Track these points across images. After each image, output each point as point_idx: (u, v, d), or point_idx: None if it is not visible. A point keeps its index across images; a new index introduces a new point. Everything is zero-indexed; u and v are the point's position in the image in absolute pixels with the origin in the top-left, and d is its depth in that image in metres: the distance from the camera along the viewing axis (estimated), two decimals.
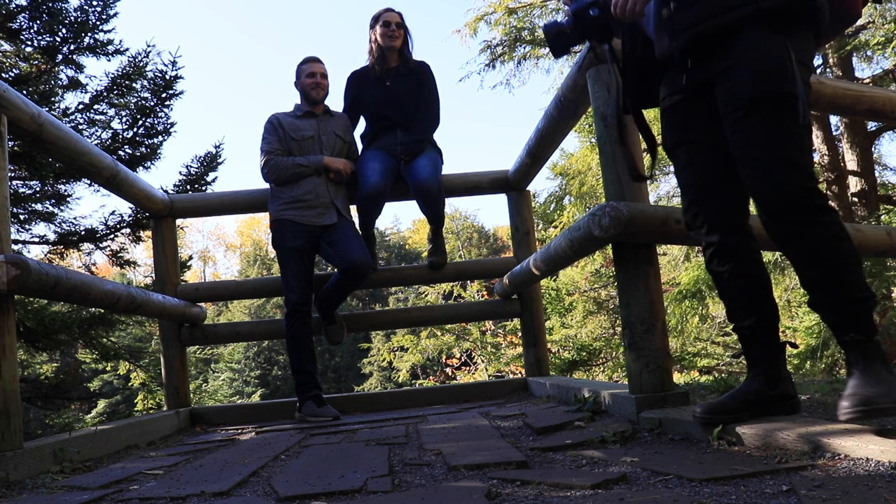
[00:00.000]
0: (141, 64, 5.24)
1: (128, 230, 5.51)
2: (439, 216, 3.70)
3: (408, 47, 3.65)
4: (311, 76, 3.51)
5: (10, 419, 2.02)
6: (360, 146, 3.74)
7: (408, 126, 3.60)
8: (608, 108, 2.27)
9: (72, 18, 4.88)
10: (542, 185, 30.15)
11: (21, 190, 5.00)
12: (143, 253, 19.96)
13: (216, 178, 6.01)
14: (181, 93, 5.50)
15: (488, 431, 2.35)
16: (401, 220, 57.50)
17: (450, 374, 12.72)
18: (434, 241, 3.77)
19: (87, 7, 4.92)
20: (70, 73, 5.09)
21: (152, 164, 5.47)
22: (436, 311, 4.92)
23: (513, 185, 3.85)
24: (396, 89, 3.61)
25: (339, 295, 3.50)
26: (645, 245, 2.23)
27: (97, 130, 5.28)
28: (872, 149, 6.74)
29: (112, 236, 5.49)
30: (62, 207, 5.26)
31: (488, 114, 72.17)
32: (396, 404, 3.68)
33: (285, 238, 3.37)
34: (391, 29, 3.55)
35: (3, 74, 4.71)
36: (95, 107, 5.21)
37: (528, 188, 3.94)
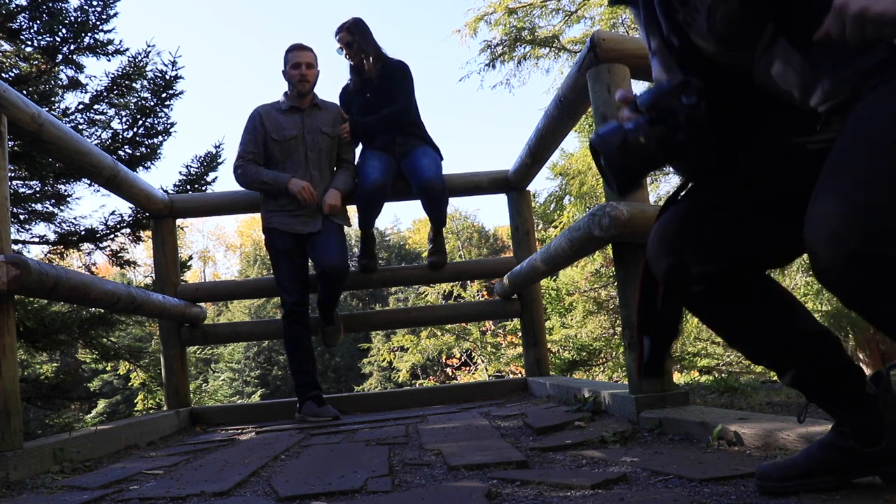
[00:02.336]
0: (141, 64, 5.23)
1: (128, 230, 5.51)
2: (442, 216, 3.71)
3: (370, 57, 3.57)
4: (296, 67, 3.37)
5: (10, 419, 2.02)
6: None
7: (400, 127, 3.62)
8: (608, 108, 2.27)
9: (72, 18, 4.87)
10: (542, 185, 30.04)
11: (21, 190, 4.99)
12: (143, 253, 19.92)
13: (216, 178, 6.03)
14: (181, 93, 5.50)
15: (488, 431, 2.35)
16: (401, 220, 57.46)
17: (450, 374, 12.70)
18: (434, 241, 3.78)
19: (87, 7, 4.92)
20: (70, 73, 5.09)
21: (152, 164, 5.47)
22: (436, 311, 4.94)
23: (513, 185, 3.85)
24: (376, 97, 3.61)
25: (326, 297, 3.50)
26: (645, 245, 2.22)
27: (97, 130, 5.28)
28: None
29: (112, 236, 5.49)
30: (62, 207, 5.26)
31: (488, 114, 72.15)
32: (396, 404, 3.68)
33: (275, 241, 3.37)
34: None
35: (3, 74, 4.70)
36: (95, 107, 5.21)
37: (528, 188, 3.94)
